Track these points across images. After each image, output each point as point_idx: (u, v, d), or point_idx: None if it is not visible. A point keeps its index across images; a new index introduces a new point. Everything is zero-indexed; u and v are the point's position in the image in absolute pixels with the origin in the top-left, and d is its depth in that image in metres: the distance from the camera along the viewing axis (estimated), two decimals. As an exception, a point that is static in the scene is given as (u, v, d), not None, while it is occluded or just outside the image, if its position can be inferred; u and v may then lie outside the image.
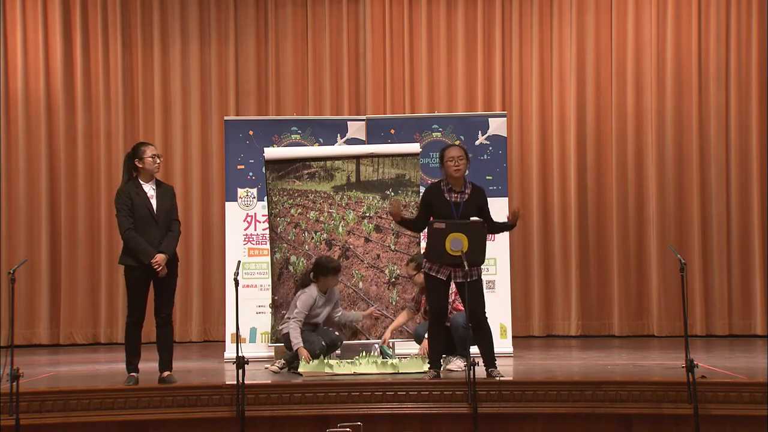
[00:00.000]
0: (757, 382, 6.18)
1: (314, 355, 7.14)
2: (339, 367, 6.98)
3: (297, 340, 7.23)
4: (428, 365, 6.77)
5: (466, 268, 6.34)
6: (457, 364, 7.13)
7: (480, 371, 6.14)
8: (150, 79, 10.75)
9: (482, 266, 6.77)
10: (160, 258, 6.62)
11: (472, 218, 6.60)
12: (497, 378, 6.51)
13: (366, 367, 7.02)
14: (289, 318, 7.42)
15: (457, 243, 6.51)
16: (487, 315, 6.73)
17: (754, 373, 6.84)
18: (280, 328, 7.57)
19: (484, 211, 6.70)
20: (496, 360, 6.73)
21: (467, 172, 6.79)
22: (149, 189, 6.75)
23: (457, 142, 8.62)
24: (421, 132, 8.75)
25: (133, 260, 6.69)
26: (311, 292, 7.47)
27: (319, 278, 7.48)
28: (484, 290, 6.83)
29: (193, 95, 10.76)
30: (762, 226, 10.29)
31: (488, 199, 6.84)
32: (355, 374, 6.90)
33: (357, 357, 7.25)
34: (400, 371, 6.97)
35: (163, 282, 6.74)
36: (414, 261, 7.59)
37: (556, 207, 10.58)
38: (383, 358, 7.25)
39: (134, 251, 6.65)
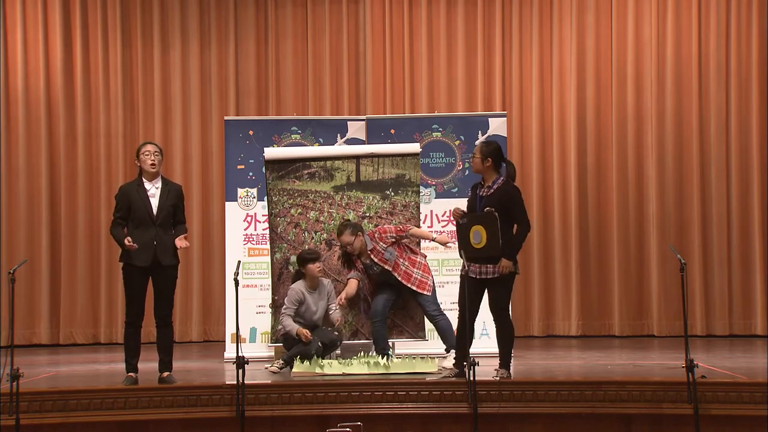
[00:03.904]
0: (757, 382, 6.18)
1: (309, 356, 7.14)
2: (330, 368, 6.98)
3: (291, 327, 7.32)
4: (454, 361, 6.83)
5: (467, 266, 6.36)
6: (450, 359, 7.12)
7: (482, 371, 6.12)
8: (150, 78, 10.76)
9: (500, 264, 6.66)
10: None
11: (486, 209, 6.57)
12: (497, 378, 6.50)
13: (357, 367, 7.03)
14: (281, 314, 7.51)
15: (477, 236, 6.59)
16: (509, 314, 6.73)
17: (754, 373, 6.84)
18: (279, 328, 7.59)
19: (507, 210, 6.60)
20: (510, 362, 6.72)
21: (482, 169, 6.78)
22: (151, 187, 6.76)
23: (457, 141, 8.65)
24: (421, 132, 8.74)
25: (128, 258, 6.70)
26: (297, 287, 7.52)
27: (303, 271, 7.52)
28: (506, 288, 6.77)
29: (193, 95, 10.76)
30: (762, 226, 10.29)
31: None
32: (344, 374, 6.90)
33: (353, 357, 7.26)
34: (391, 371, 6.97)
35: (162, 283, 6.75)
36: (348, 227, 7.50)
37: (556, 207, 10.58)
38: (382, 356, 7.25)
39: (118, 243, 6.73)
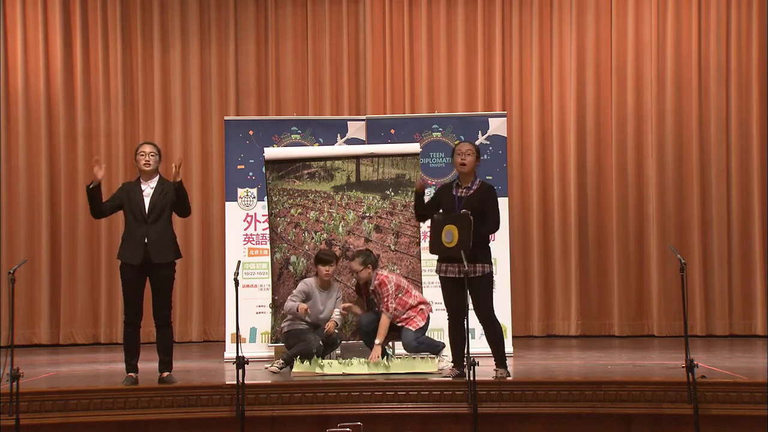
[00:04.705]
0: (757, 382, 6.19)
1: (310, 354, 7.14)
2: (330, 368, 6.99)
3: (292, 305, 7.38)
4: (452, 363, 6.84)
5: (466, 265, 6.37)
6: (447, 360, 7.15)
7: (482, 371, 6.12)
8: (150, 79, 10.75)
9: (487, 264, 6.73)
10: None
11: (462, 211, 6.61)
12: (504, 378, 6.53)
13: (357, 367, 7.04)
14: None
15: (449, 235, 6.62)
16: (495, 313, 6.76)
17: (754, 373, 6.85)
18: (281, 326, 7.61)
19: (486, 208, 6.68)
20: (506, 359, 6.77)
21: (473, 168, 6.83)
22: (146, 188, 6.77)
23: (457, 141, 8.62)
24: (421, 132, 8.75)
25: (122, 255, 6.71)
26: (309, 281, 7.57)
27: (316, 269, 7.58)
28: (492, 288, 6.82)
29: (193, 95, 10.76)
30: (762, 226, 10.29)
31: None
32: (344, 374, 6.91)
33: (353, 357, 7.27)
34: (391, 371, 6.97)
35: (158, 282, 6.74)
36: (361, 256, 7.51)
37: (556, 207, 10.58)
38: (382, 356, 7.25)
39: (91, 202, 6.67)
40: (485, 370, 6.51)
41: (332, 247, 7.88)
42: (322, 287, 7.54)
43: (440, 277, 6.81)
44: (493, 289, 6.80)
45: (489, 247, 6.75)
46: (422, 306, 7.55)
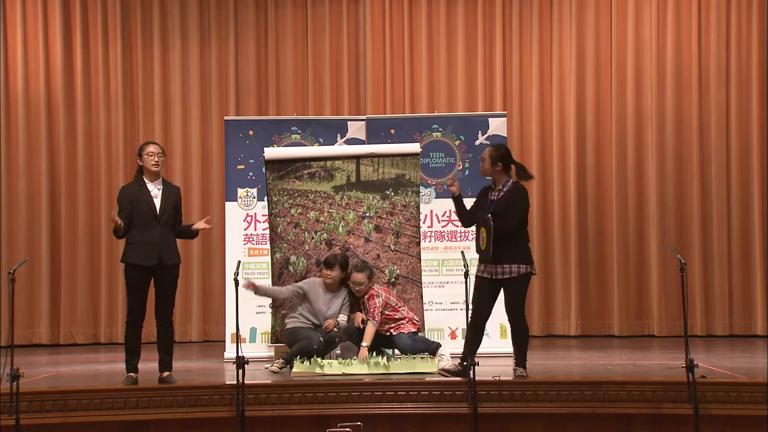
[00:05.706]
0: (757, 382, 6.19)
1: (311, 352, 7.15)
2: (330, 368, 6.99)
3: (267, 286, 7.59)
4: (458, 360, 6.85)
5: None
6: (446, 359, 7.15)
7: (482, 371, 6.13)
8: (150, 78, 10.75)
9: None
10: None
11: (487, 215, 6.65)
12: (523, 378, 6.55)
13: (357, 367, 7.05)
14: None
15: (481, 237, 6.71)
16: (523, 314, 6.76)
17: (754, 373, 6.85)
18: (286, 322, 7.62)
19: (508, 209, 6.69)
20: (526, 360, 6.76)
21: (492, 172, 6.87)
22: (153, 188, 6.77)
23: (457, 141, 8.64)
24: (421, 132, 8.74)
25: (133, 258, 6.70)
26: (317, 279, 7.61)
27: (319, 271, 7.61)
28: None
29: (193, 95, 10.76)
30: (762, 226, 10.29)
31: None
32: (344, 374, 6.91)
33: (353, 357, 7.27)
34: (391, 371, 6.98)
35: (166, 283, 6.76)
36: (367, 269, 7.55)
37: (555, 207, 10.58)
38: (382, 356, 7.26)
39: (119, 235, 6.75)
40: (485, 370, 6.51)
41: (332, 246, 7.88)
42: (329, 289, 7.56)
43: (476, 277, 6.77)
44: (526, 291, 6.79)
45: (520, 247, 6.69)
46: (413, 319, 7.58)
